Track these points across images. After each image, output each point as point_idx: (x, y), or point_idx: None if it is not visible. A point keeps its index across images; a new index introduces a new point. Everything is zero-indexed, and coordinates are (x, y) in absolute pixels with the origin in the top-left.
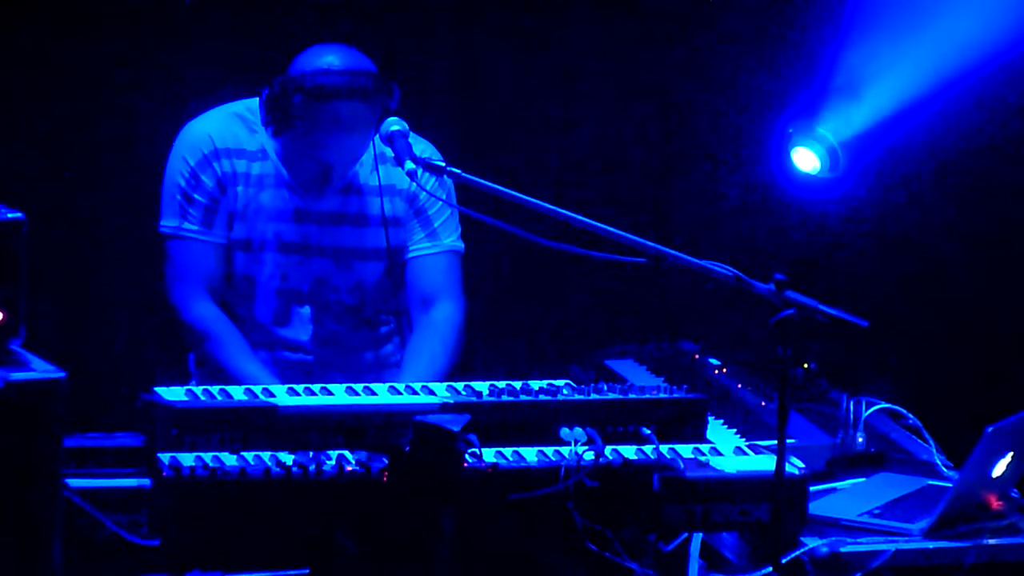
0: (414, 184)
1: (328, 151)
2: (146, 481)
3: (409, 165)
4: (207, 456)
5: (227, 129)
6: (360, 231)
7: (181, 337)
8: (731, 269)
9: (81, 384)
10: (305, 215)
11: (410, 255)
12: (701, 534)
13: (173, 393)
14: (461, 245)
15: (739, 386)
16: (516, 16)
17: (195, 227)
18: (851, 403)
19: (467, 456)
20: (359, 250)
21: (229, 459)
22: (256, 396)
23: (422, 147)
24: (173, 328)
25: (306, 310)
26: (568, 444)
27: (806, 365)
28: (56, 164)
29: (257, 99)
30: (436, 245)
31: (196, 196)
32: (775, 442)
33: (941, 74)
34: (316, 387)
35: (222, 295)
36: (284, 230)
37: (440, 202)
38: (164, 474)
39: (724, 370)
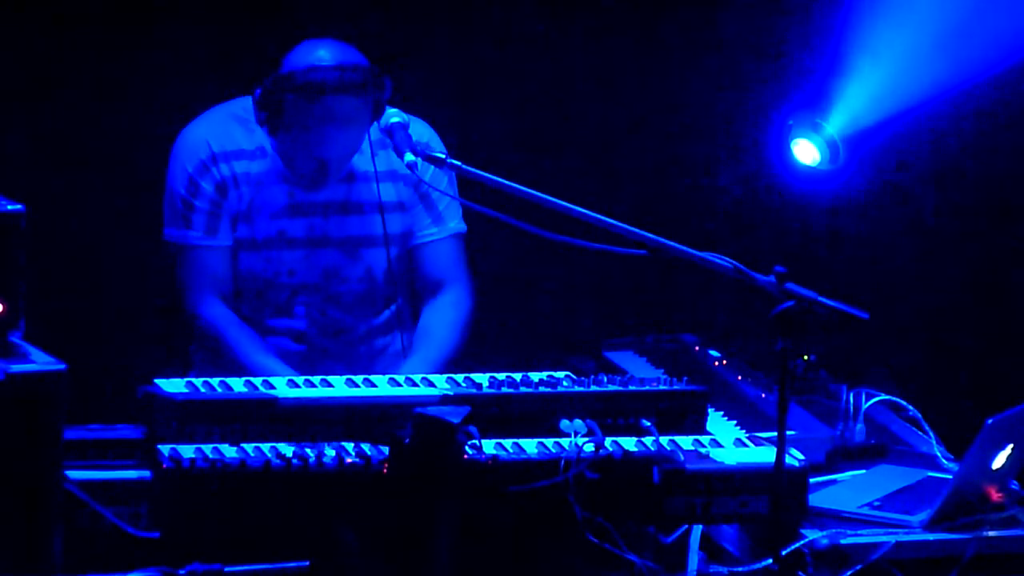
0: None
1: (323, 146)
2: (146, 473)
3: (409, 157)
4: (207, 448)
5: (224, 131)
6: (366, 219)
7: (190, 336)
8: (731, 261)
9: (81, 376)
10: (309, 208)
11: (418, 241)
12: (701, 526)
13: (173, 385)
14: (464, 226)
15: (739, 378)
16: (515, 13)
17: (199, 234)
18: (851, 395)
19: (467, 448)
20: (367, 238)
21: (229, 451)
22: (256, 388)
23: (420, 130)
24: (172, 320)
25: (312, 302)
26: (568, 436)
27: (806, 357)
28: (56, 156)
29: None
30: (443, 230)
31: (197, 203)
32: (775, 434)
33: (942, 67)
34: (316, 379)
35: (232, 295)
36: (289, 225)
37: (443, 184)
38: (164, 466)
39: (724, 362)
